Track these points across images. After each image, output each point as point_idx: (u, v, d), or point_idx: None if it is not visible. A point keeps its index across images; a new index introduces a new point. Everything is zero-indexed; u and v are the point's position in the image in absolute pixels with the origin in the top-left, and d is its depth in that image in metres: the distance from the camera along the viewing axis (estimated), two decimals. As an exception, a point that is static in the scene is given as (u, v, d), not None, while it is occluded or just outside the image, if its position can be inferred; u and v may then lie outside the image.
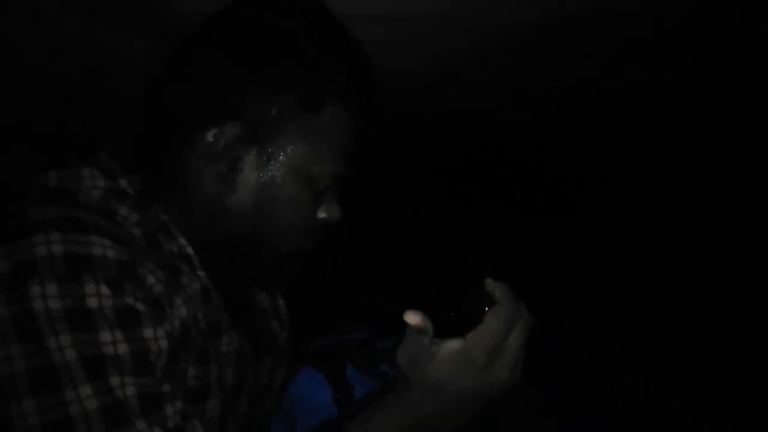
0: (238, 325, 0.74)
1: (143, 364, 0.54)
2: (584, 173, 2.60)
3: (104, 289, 0.53)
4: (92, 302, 0.52)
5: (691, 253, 2.36)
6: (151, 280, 0.58)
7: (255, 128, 0.64)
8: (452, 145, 2.45)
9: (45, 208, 0.56)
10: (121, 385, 0.52)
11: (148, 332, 0.55)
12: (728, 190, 2.20)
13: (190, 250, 0.66)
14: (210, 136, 0.64)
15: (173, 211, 0.66)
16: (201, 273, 0.67)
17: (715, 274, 2.25)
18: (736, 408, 1.87)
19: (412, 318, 0.62)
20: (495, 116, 2.07)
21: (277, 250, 0.70)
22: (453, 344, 0.59)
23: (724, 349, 2.05)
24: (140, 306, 0.55)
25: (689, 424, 1.98)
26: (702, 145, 2.13)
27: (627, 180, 2.56)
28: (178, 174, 0.66)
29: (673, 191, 2.42)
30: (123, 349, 0.53)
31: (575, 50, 1.66)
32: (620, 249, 2.55)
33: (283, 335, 0.91)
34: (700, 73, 1.77)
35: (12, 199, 0.60)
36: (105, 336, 0.52)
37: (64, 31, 1.27)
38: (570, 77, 1.82)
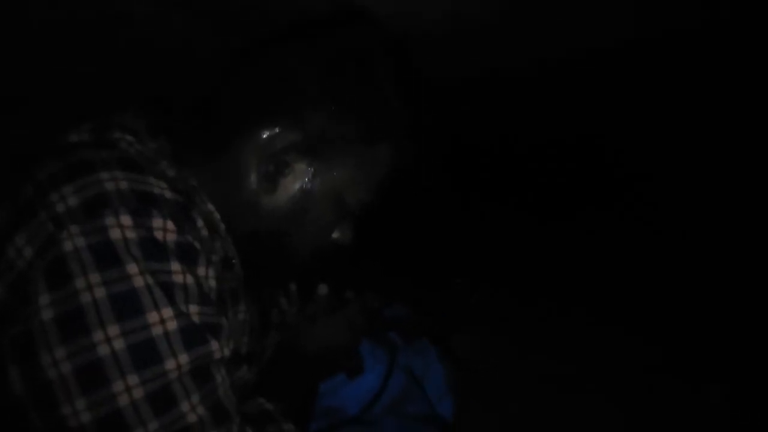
0: (248, 297, 0.75)
1: (203, 295, 0.57)
2: (580, 152, 2.58)
3: (170, 224, 0.55)
4: (159, 235, 0.54)
5: (693, 220, 2.38)
6: (200, 224, 0.60)
7: (314, 142, 0.67)
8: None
9: (98, 151, 0.58)
10: (192, 312, 0.55)
11: (201, 270, 0.58)
12: (730, 173, 2.20)
13: (218, 216, 0.67)
14: (269, 135, 0.66)
15: (205, 186, 0.67)
16: (228, 239, 0.68)
17: (718, 243, 2.26)
18: (741, 370, 1.89)
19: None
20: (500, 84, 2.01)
21: (288, 258, 0.73)
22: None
23: (728, 313, 2.07)
24: (197, 244, 0.58)
25: (694, 387, 2.01)
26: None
27: (628, 156, 2.55)
28: (221, 156, 0.67)
29: (676, 168, 2.41)
30: (189, 279, 0.55)
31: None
32: (618, 224, 2.56)
33: (291, 311, 0.92)
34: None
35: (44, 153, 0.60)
36: (174, 266, 0.54)
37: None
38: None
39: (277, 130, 0.66)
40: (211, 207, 0.66)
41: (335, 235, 0.75)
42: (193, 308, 0.55)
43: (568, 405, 1.93)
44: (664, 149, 2.35)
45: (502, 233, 2.87)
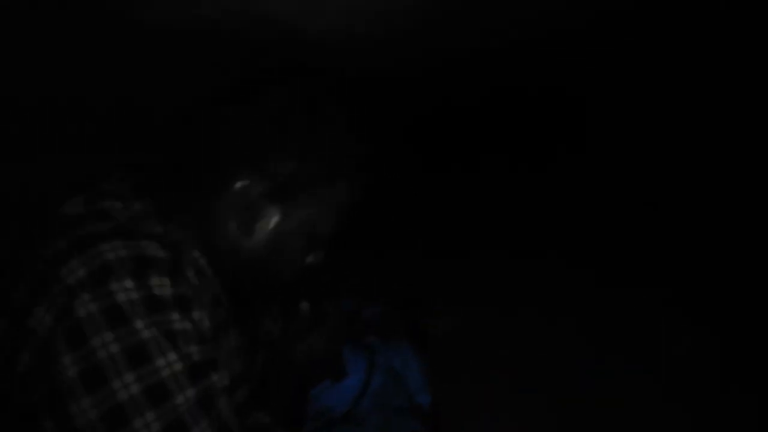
0: (236, 322, 0.83)
1: (200, 335, 0.65)
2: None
3: (165, 280, 0.63)
4: (158, 290, 0.62)
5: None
6: (190, 273, 0.69)
7: (282, 188, 0.76)
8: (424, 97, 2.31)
9: (94, 224, 0.66)
10: (193, 352, 0.63)
11: (196, 314, 0.66)
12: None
13: (204, 261, 0.76)
14: (241, 186, 0.74)
15: (190, 236, 0.75)
16: (215, 280, 0.77)
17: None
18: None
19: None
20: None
21: (269, 286, 0.84)
22: None
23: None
24: (189, 293, 0.66)
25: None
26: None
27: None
28: (202, 209, 0.76)
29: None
30: (187, 325, 0.64)
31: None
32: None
33: (277, 330, 1.00)
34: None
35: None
36: (174, 315, 0.63)
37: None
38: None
39: (248, 181, 0.74)
40: (197, 254, 0.74)
41: (310, 259, 0.84)
42: (194, 348, 0.63)
43: (544, 376, 2.03)
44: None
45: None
